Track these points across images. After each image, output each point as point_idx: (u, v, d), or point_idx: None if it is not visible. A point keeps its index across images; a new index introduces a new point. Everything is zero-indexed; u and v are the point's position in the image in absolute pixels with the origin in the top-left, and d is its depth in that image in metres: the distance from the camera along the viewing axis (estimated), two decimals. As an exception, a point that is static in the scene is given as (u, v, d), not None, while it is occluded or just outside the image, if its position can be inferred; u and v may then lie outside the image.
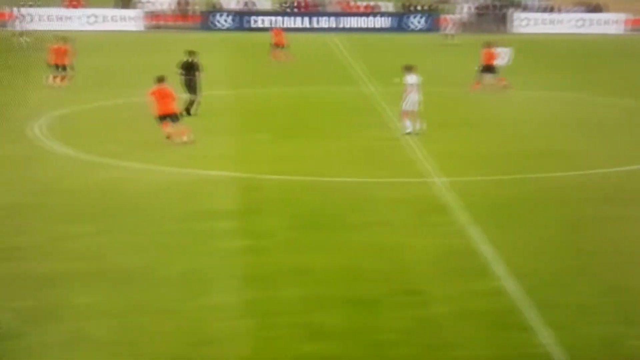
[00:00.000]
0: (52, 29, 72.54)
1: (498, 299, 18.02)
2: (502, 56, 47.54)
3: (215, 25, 79.98)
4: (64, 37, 47.07)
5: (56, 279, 18.72)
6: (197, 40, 70.15)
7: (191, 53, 37.65)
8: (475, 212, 23.77)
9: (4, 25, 69.51)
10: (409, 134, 33.78)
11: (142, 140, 32.63)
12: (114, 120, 36.48)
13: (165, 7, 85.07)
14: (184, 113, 35.27)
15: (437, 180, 27.26)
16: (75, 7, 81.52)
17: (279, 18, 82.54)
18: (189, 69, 36.83)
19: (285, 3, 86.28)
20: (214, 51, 59.27)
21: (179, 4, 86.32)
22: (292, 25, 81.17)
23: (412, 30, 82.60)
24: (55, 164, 29.25)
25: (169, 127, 32.06)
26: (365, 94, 44.83)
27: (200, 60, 38.36)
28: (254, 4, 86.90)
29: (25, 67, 49.12)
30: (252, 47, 66.79)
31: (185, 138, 31.87)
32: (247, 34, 77.52)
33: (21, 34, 65.06)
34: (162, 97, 31.89)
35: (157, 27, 78.81)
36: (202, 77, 37.60)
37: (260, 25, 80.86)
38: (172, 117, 32.12)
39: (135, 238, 21.60)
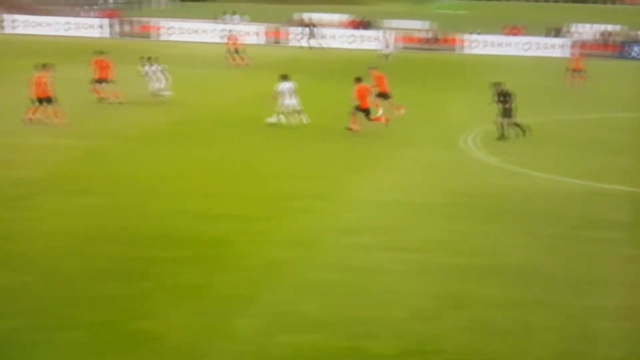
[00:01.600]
0: (491, 53, 74.70)
1: None
2: None
3: (631, 55, 77.03)
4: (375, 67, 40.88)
5: (463, 270, 18.82)
6: (613, 67, 68.37)
7: (499, 84, 35.66)
8: None
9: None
10: None
11: (550, 153, 32.17)
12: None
13: (590, 37, 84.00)
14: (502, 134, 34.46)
15: None
16: (515, 34, 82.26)
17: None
18: (505, 97, 35.31)
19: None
20: (626, 80, 56.68)
21: (602, 34, 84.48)
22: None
23: None
24: (477, 170, 29.18)
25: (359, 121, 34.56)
26: None
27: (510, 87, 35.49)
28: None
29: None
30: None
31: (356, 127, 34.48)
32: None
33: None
34: (362, 93, 34.73)
35: (581, 55, 77.09)
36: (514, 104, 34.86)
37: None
38: (365, 111, 34.77)
39: (529, 239, 21.23)
